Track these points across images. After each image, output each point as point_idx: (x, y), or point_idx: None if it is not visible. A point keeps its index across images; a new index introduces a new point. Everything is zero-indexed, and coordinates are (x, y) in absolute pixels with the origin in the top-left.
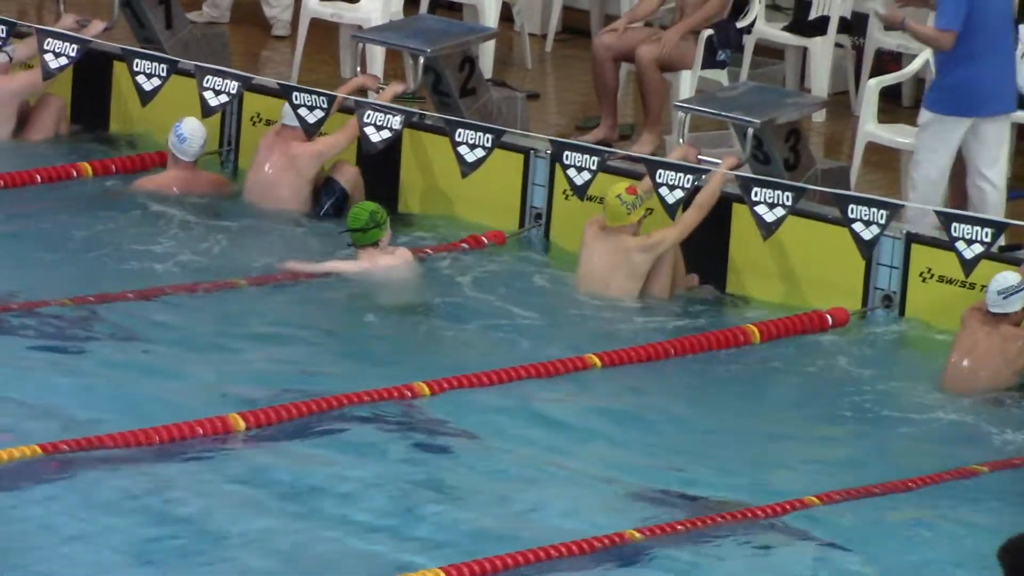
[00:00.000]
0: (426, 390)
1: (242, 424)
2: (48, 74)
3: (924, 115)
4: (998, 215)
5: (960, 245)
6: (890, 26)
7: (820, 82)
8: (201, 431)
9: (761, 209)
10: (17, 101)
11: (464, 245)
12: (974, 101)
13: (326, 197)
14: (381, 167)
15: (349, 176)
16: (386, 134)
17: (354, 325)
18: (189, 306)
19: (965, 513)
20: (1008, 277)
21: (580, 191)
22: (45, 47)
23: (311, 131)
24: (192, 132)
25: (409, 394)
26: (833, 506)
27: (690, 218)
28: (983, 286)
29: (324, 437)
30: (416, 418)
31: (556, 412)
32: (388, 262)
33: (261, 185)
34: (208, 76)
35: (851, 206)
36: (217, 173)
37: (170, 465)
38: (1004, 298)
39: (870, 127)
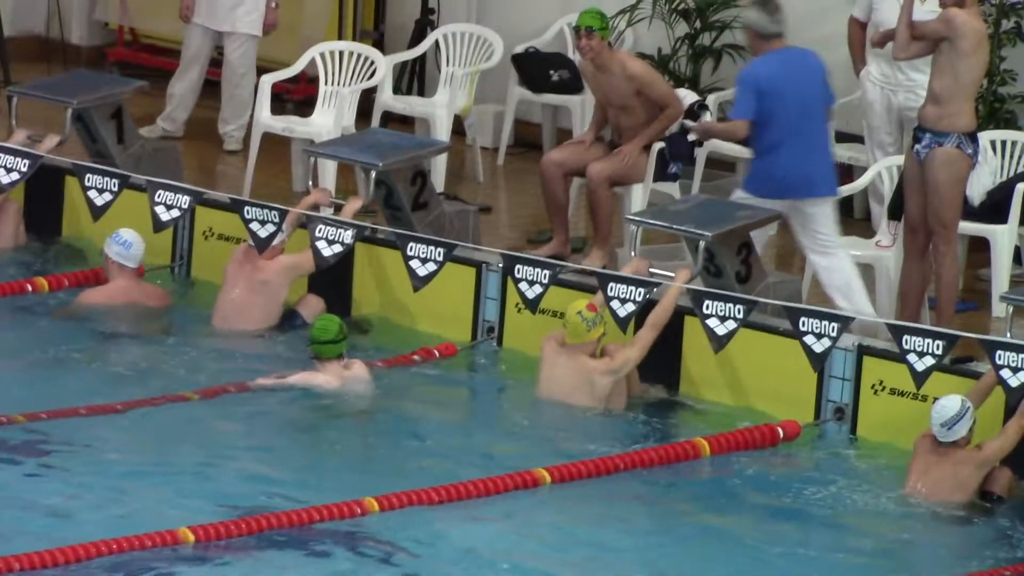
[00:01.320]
0: (375, 506)
1: (191, 537)
2: (0, 189)
3: (738, 194)
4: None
5: (911, 358)
6: (700, 135)
7: None
8: (150, 543)
9: (712, 322)
10: None
11: (416, 358)
12: (779, 187)
13: (286, 327)
14: (334, 280)
15: (313, 310)
16: (337, 248)
17: (306, 439)
18: (141, 421)
19: None
20: (948, 406)
21: (532, 304)
22: None
23: (263, 246)
24: (134, 238)
25: (359, 510)
26: None
27: (648, 336)
28: (935, 398)
29: (272, 553)
30: (365, 535)
31: (505, 529)
32: (349, 375)
33: (232, 308)
34: (160, 191)
35: (802, 319)
36: (156, 285)
37: None
38: (948, 429)
39: None
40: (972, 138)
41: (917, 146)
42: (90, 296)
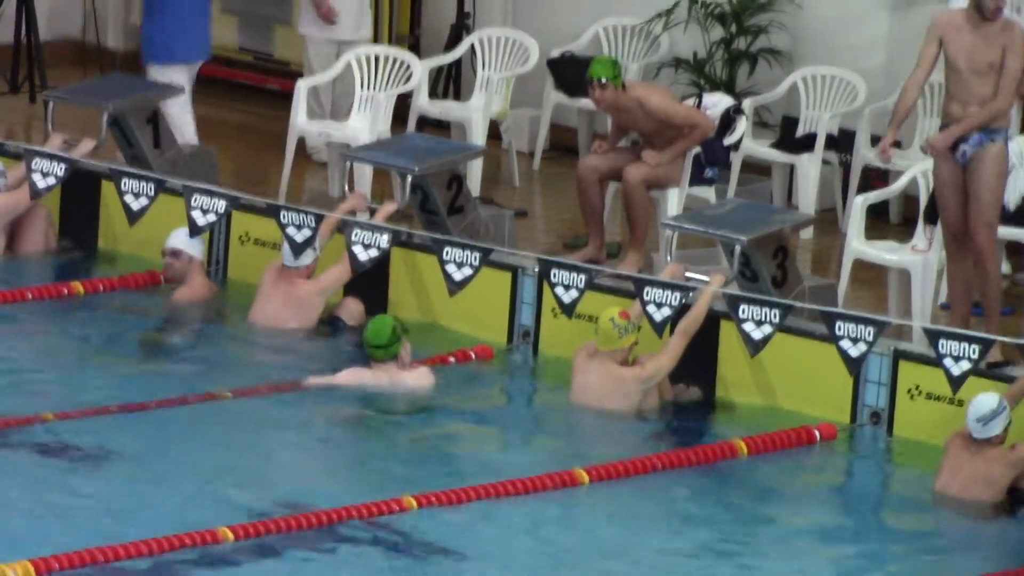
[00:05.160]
0: (414, 504)
1: (231, 536)
2: (36, 193)
3: (152, 69)
4: None
5: (947, 362)
6: None
7: (807, 199)
8: (190, 543)
9: (748, 326)
10: (1, 223)
11: (451, 359)
12: (190, 48)
13: (327, 331)
14: (371, 284)
15: (353, 314)
16: (374, 252)
17: (343, 439)
18: (175, 419)
19: None
20: (986, 402)
21: (568, 309)
22: (33, 166)
23: (299, 250)
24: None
25: (397, 508)
26: None
27: (679, 344)
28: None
29: (311, 551)
30: (403, 533)
31: (543, 529)
32: (401, 375)
33: (266, 320)
34: (196, 195)
35: (838, 323)
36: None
37: None
38: (983, 425)
39: (857, 244)
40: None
41: (963, 146)
42: (184, 295)
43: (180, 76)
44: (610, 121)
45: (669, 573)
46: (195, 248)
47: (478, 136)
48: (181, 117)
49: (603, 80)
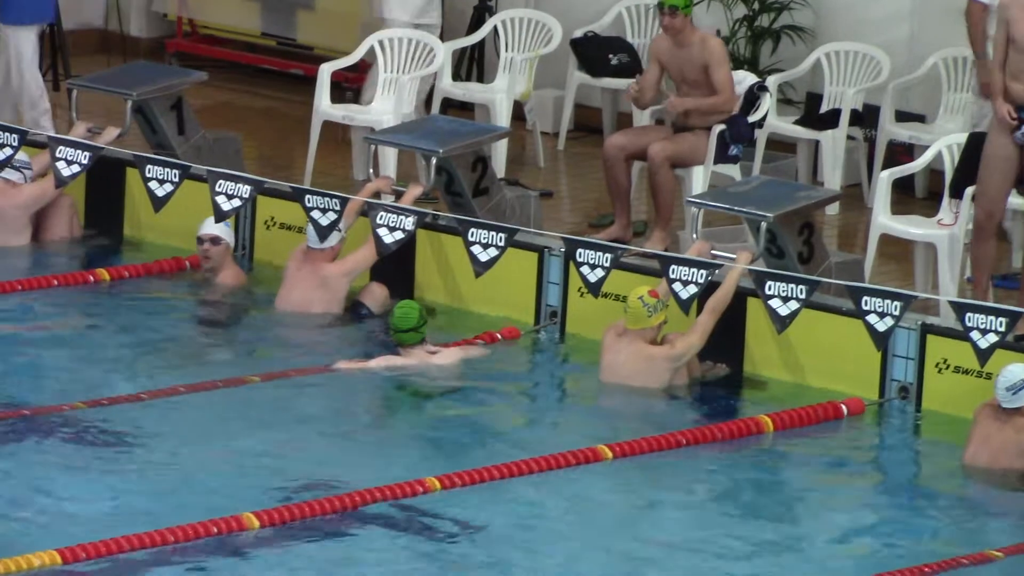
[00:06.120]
0: (437, 485)
1: (256, 523)
2: (60, 182)
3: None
4: None
5: (975, 335)
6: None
7: (833, 175)
8: (216, 530)
9: (775, 303)
10: (28, 213)
11: (479, 341)
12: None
13: (352, 317)
14: (397, 266)
15: (378, 299)
16: (399, 235)
17: (369, 421)
18: (204, 404)
19: None
20: (1015, 371)
21: (594, 288)
22: (57, 155)
23: (324, 234)
24: None
25: (420, 489)
26: None
27: (708, 321)
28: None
29: (336, 535)
30: (427, 513)
31: (567, 506)
32: (433, 359)
33: (292, 305)
34: (220, 181)
35: (865, 298)
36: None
37: (185, 565)
38: (1013, 394)
39: (883, 219)
40: None
41: None
42: (226, 280)
43: (31, 36)
44: (639, 82)
45: (694, 549)
46: (229, 234)
47: (502, 117)
48: (32, 74)
49: (674, 8)
